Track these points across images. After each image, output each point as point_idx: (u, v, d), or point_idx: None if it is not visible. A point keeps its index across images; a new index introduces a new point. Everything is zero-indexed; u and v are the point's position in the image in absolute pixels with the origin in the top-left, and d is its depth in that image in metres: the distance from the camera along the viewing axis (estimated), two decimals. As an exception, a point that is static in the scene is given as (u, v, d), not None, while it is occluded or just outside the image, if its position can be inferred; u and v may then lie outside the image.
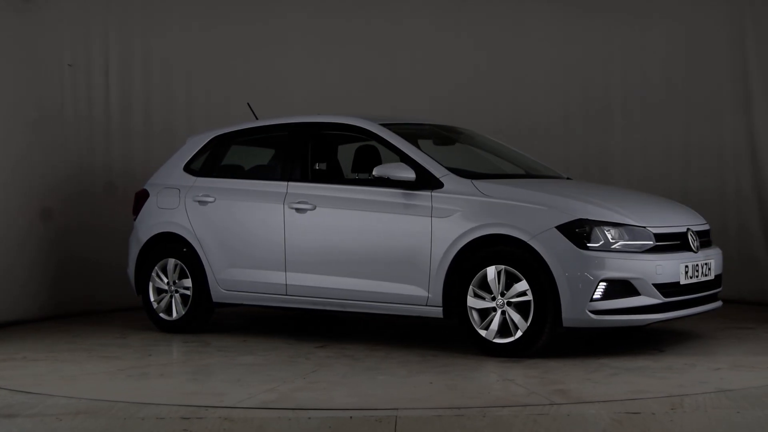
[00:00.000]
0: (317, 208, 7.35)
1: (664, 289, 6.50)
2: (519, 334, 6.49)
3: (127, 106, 9.63)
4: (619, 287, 6.37)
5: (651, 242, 6.55)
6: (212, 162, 8.19)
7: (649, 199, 7.34)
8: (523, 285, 6.47)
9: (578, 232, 6.41)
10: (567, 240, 6.39)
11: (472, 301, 6.64)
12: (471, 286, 6.63)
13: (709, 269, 6.96)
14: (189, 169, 8.22)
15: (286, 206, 7.47)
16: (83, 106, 9.31)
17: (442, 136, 8.10)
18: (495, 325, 6.57)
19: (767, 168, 9.49)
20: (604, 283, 6.34)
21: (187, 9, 9.99)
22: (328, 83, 10.37)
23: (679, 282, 6.60)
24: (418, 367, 6.34)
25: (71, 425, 4.94)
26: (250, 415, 5.04)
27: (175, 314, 8.02)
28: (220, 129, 8.34)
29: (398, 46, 10.53)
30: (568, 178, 8.00)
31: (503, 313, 6.54)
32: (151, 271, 8.13)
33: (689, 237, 6.84)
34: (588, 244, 6.38)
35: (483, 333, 6.61)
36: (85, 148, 9.33)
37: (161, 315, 8.07)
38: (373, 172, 7.02)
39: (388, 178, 6.98)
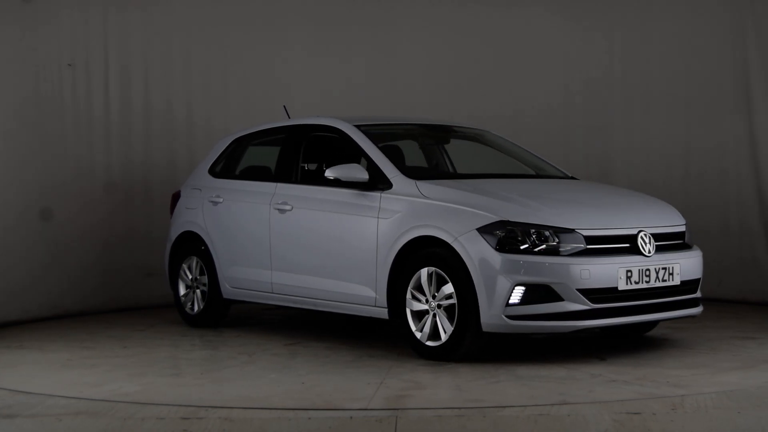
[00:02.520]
0: (294, 209, 7.50)
1: (595, 294, 6.17)
2: (446, 337, 6.38)
3: (127, 105, 9.71)
4: (540, 292, 6.12)
5: (581, 245, 6.23)
6: (228, 164, 8.51)
7: (612, 200, 6.95)
8: (449, 288, 6.35)
9: (498, 234, 6.21)
10: (485, 242, 6.21)
11: (409, 303, 6.60)
12: (409, 288, 6.59)
13: (670, 274, 6.50)
14: (212, 171, 8.58)
15: (271, 207, 7.67)
16: (83, 106, 9.43)
17: (435, 136, 8.01)
18: (427, 327, 6.49)
19: (768, 168, 9.17)
20: (522, 288, 6.11)
21: (186, 9, 10.03)
22: (331, 83, 10.39)
23: (616, 287, 6.24)
24: (333, 368, 6.36)
25: (71, 425, 5.01)
26: (249, 415, 5.10)
27: (196, 309, 8.44)
28: (240, 131, 8.65)
29: (399, 45, 10.48)
30: (572, 177, 7.72)
31: (435, 315, 6.46)
32: (180, 268, 8.60)
33: (639, 240, 6.42)
34: (507, 247, 6.17)
35: (418, 335, 6.55)
36: (85, 148, 9.47)
37: (186, 310, 8.53)
38: (326, 174, 7.09)
39: (339, 180, 7.03)
